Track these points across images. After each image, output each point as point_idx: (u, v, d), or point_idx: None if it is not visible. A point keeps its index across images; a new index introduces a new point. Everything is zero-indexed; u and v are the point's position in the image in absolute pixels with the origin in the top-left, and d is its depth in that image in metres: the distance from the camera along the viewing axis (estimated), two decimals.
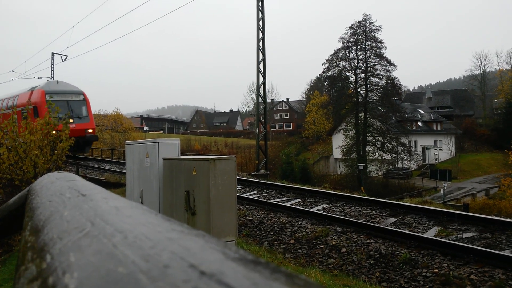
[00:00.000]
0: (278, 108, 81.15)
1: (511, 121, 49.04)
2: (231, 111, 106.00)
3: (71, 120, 15.64)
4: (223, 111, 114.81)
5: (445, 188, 26.70)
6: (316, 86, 72.64)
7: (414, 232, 7.67)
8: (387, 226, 8.15)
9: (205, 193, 5.52)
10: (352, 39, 41.85)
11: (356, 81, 42.11)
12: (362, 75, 41.79)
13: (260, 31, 19.18)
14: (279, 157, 40.78)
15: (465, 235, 7.43)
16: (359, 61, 41.80)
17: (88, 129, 21.43)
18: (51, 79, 32.69)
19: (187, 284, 0.32)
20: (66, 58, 35.60)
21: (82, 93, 22.32)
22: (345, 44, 42.09)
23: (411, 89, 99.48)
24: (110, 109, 69.49)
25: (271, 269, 0.35)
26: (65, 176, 1.14)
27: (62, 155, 9.17)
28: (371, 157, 39.49)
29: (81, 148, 21.61)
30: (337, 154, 44.71)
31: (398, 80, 40.73)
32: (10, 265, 6.13)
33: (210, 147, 56.69)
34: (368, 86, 41.62)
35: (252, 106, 69.45)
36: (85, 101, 22.08)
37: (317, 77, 72.94)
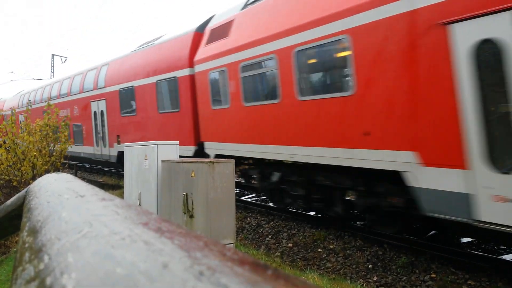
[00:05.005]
0: None
1: None
2: None
3: None
4: None
5: None
6: None
7: None
8: None
9: (203, 196, 5.52)
10: None
11: None
12: None
13: None
14: None
15: None
16: None
17: None
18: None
19: (186, 284, 0.31)
20: (66, 59, 35.68)
21: None
22: None
23: None
24: None
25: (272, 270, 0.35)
26: (63, 177, 1.13)
27: (61, 156, 9.17)
28: None
29: None
30: None
31: None
32: (7, 266, 6.11)
33: None
34: None
35: None
36: None
37: None
